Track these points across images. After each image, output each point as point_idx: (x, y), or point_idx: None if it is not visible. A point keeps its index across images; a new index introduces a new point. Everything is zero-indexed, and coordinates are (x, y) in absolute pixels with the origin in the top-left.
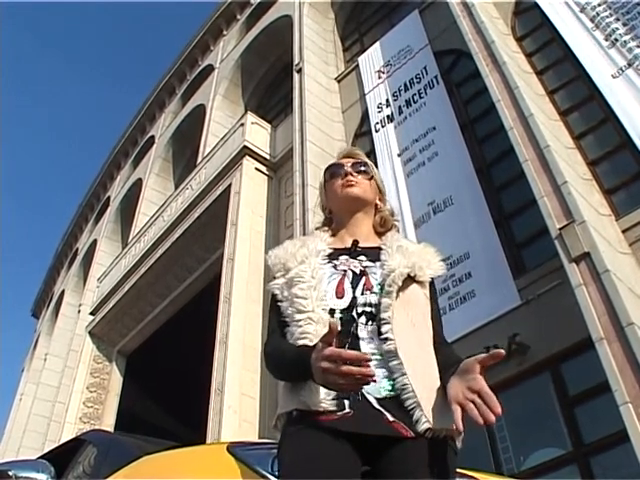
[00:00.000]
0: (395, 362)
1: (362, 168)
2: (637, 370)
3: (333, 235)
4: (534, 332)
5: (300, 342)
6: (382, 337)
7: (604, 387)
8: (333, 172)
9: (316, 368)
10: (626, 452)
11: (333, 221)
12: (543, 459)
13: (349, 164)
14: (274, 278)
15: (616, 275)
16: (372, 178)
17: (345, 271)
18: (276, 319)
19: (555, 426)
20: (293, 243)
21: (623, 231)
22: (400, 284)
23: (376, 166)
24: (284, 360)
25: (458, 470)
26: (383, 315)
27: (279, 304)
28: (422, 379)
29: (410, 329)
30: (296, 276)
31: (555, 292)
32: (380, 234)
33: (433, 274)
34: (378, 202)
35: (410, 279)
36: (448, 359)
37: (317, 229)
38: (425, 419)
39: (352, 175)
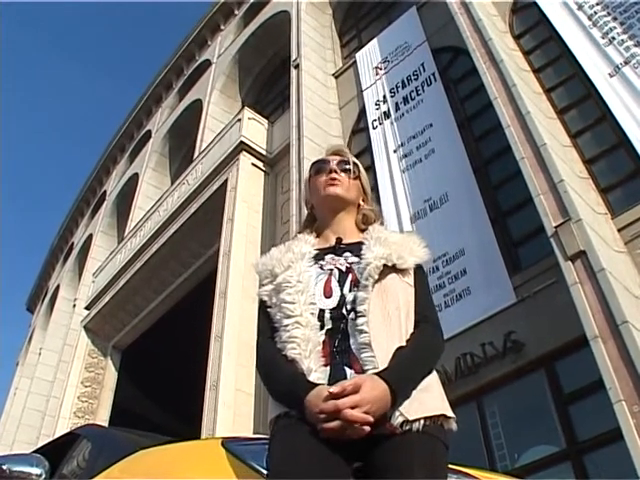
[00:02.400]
0: (368, 354)
1: (347, 167)
2: (631, 368)
3: (317, 235)
4: (529, 330)
5: (289, 346)
6: (357, 329)
7: (598, 385)
8: (318, 168)
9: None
10: (620, 450)
11: (316, 217)
12: (537, 456)
13: (335, 161)
14: (262, 285)
15: (611, 274)
16: (357, 178)
17: (331, 270)
18: (266, 322)
19: (549, 424)
20: (279, 249)
21: (619, 230)
22: (376, 277)
23: (372, 162)
24: (278, 384)
25: (451, 467)
26: (359, 308)
27: (268, 310)
28: None
29: (386, 322)
30: (283, 282)
31: (550, 290)
32: (363, 230)
33: (417, 260)
34: (361, 202)
35: (390, 268)
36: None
37: (300, 233)
38: (398, 413)
39: (336, 173)
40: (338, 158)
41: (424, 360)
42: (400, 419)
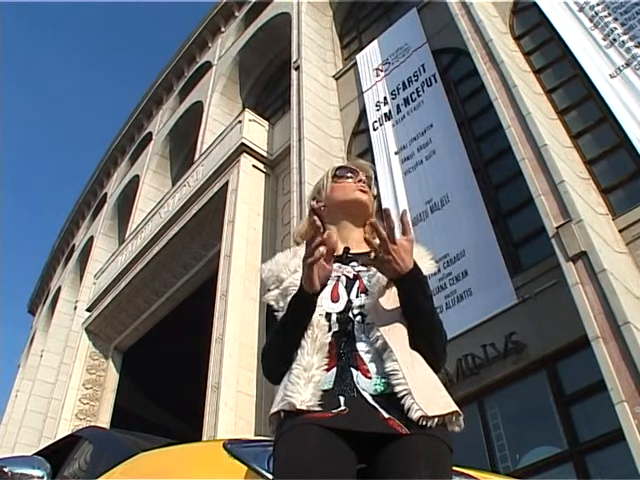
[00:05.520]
0: (385, 354)
1: (372, 184)
2: (633, 369)
3: None
4: (530, 331)
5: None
6: (370, 335)
7: (600, 386)
8: (344, 173)
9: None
10: (621, 451)
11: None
12: (539, 457)
13: (364, 175)
14: (269, 290)
15: (613, 274)
16: (375, 197)
17: (339, 277)
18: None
19: (551, 424)
20: (284, 254)
21: (620, 230)
22: (384, 283)
23: (373, 164)
24: (280, 322)
25: (454, 468)
26: (370, 315)
27: (275, 314)
28: (411, 372)
29: (397, 327)
30: (290, 285)
31: (552, 291)
32: (370, 242)
33: (424, 272)
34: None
35: None
36: None
37: None
38: (417, 407)
39: (365, 184)
40: (366, 173)
41: (433, 312)
42: (419, 413)
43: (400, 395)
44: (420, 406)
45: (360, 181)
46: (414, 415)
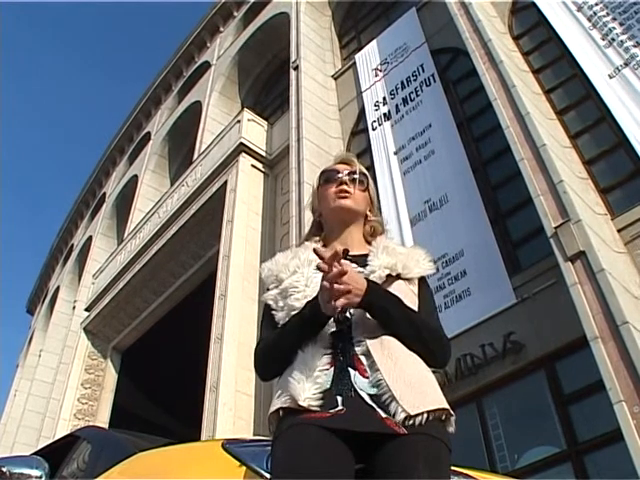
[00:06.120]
0: (369, 360)
1: (357, 177)
2: (631, 369)
3: (324, 245)
4: (529, 331)
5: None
6: (367, 336)
7: (598, 386)
8: (328, 177)
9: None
10: (620, 450)
11: (322, 226)
12: (537, 457)
13: (345, 172)
14: (267, 290)
15: (611, 274)
16: (366, 189)
17: None
18: (270, 326)
19: (549, 424)
20: (285, 255)
21: (618, 230)
22: (379, 284)
23: (372, 164)
24: (284, 330)
25: (452, 468)
26: (358, 317)
27: (273, 313)
28: (398, 373)
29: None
30: (290, 286)
31: (550, 291)
32: (370, 242)
33: (422, 272)
34: (368, 213)
35: (394, 278)
36: None
37: (307, 240)
38: (401, 409)
39: (347, 185)
40: (348, 168)
41: (411, 318)
42: (402, 415)
43: (385, 402)
44: (403, 407)
45: (341, 184)
46: (398, 418)
